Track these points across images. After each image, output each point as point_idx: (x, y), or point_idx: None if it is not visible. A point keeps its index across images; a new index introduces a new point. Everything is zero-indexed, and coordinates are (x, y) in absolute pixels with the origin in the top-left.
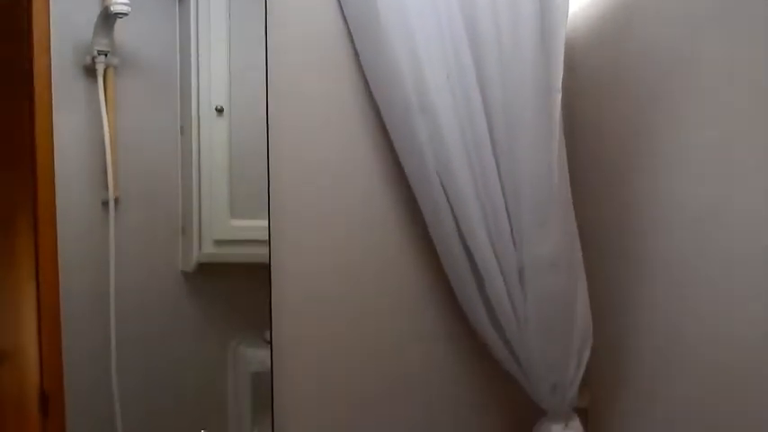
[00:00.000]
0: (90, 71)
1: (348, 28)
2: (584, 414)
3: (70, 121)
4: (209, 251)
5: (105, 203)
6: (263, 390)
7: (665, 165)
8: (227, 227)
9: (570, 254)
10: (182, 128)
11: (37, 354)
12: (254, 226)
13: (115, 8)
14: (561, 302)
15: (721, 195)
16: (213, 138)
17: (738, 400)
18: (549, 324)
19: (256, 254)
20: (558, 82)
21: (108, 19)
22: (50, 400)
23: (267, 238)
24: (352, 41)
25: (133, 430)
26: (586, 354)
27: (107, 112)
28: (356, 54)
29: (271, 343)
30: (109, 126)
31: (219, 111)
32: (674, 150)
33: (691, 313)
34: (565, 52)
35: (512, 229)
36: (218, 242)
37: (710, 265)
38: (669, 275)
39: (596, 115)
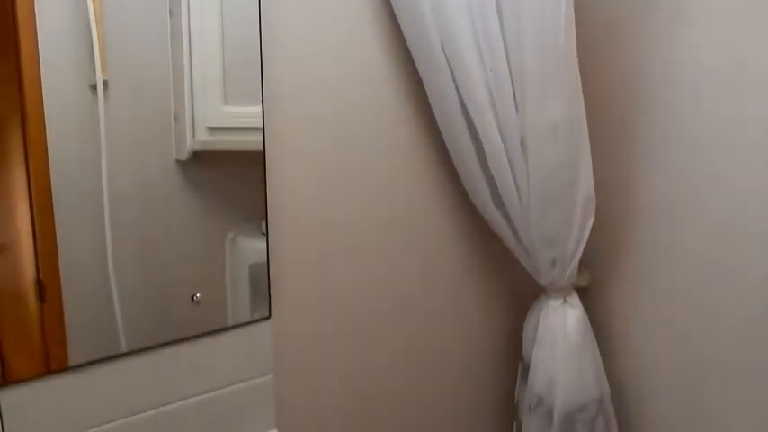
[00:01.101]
0: None
1: None
2: (583, 293)
3: (54, 6)
4: (203, 138)
5: (93, 88)
6: (262, 281)
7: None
8: (220, 113)
9: (575, 122)
10: (170, 10)
11: (31, 245)
12: (248, 112)
13: None
14: (564, 173)
15: (732, 63)
16: (204, 21)
17: (737, 289)
18: (551, 195)
19: (251, 141)
20: None
21: None
22: (47, 288)
23: (261, 124)
24: None
25: (131, 316)
26: (588, 228)
27: None
28: None
29: (267, 232)
30: (95, 9)
31: None
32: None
33: (692, 199)
34: None
35: (514, 94)
36: (212, 129)
37: (713, 147)
38: (672, 156)
39: None
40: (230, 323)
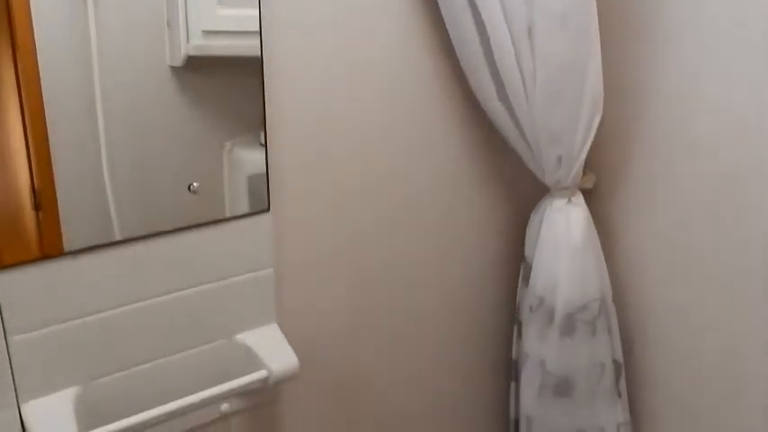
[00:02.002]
0: None
1: None
2: (587, 196)
3: None
4: (198, 42)
5: None
6: (261, 192)
7: None
8: (215, 16)
9: (585, 14)
10: None
11: (25, 155)
12: (245, 15)
13: None
14: (572, 66)
15: None
16: None
17: (744, 190)
18: (558, 89)
19: (248, 46)
20: None
21: None
22: (42, 196)
23: (258, 28)
24: None
25: (127, 225)
26: (595, 125)
27: None
28: None
29: (266, 143)
30: None
31: None
32: None
33: (702, 101)
34: None
35: None
36: (207, 33)
37: (727, 45)
38: (685, 54)
39: None
40: (228, 215)
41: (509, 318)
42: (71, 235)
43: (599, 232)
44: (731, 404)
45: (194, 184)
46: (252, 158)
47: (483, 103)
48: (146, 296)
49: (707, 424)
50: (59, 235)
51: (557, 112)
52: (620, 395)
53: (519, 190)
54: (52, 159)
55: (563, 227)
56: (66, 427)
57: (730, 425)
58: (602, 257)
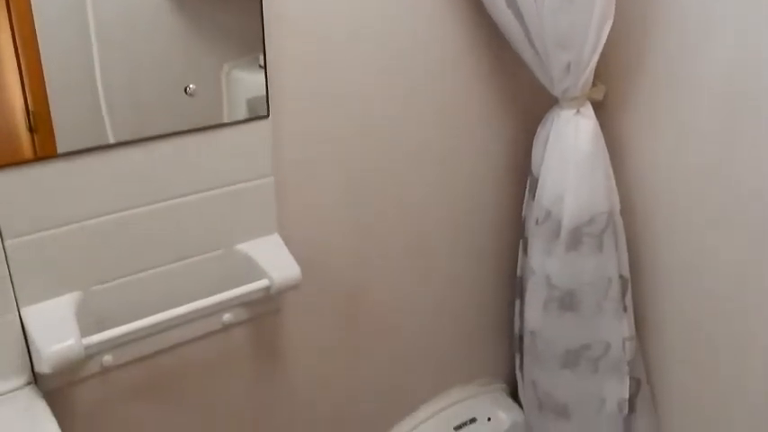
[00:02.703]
0: None
1: None
2: (597, 108)
3: None
4: None
5: None
6: (260, 114)
7: None
8: None
9: None
10: None
11: (19, 81)
12: None
13: None
14: None
15: None
16: None
17: (758, 104)
18: None
19: None
20: None
21: None
22: (38, 119)
23: None
24: None
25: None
26: (605, 31)
27: None
28: None
29: (265, 65)
30: None
31: None
32: None
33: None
34: None
35: None
36: None
37: None
38: None
39: None
40: (226, 120)
41: (514, 233)
42: (64, 137)
43: (607, 146)
44: (740, 318)
45: (191, 86)
46: (251, 81)
47: (490, 10)
48: (144, 202)
49: (714, 338)
50: (52, 137)
51: (566, 15)
52: (625, 310)
53: (526, 102)
54: (42, 62)
55: (571, 138)
56: (67, 331)
57: (739, 338)
58: (611, 170)
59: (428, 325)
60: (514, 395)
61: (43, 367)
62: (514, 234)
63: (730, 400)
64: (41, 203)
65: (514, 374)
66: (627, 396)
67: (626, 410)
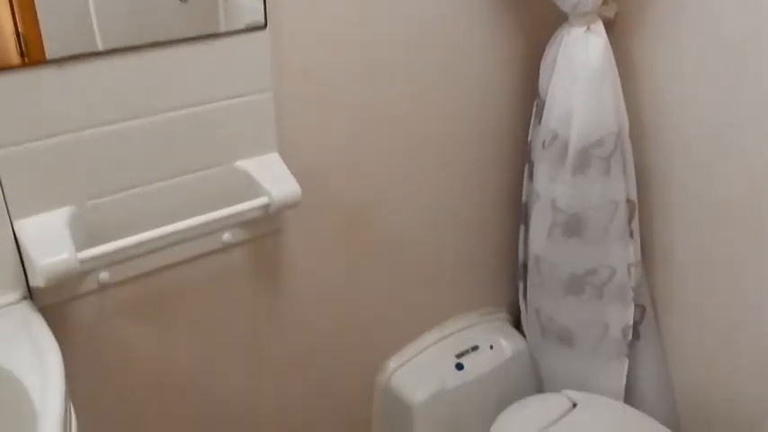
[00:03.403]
0: None
1: None
2: (608, 27)
3: None
4: None
5: None
6: (257, 24)
7: None
8: None
9: None
10: None
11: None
12: None
13: None
14: None
15: None
16: None
17: None
18: None
19: None
20: None
21: None
22: (28, 43)
23: None
24: None
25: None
26: None
27: None
28: None
29: None
30: None
31: None
32: None
33: None
34: None
35: None
36: None
37: None
38: None
39: None
40: (222, 29)
41: (519, 160)
42: (53, 44)
43: (619, 65)
44: (750, 245)
45: None
46: (250, 7)
47: None
48: (138, 114)
49: (722, 266)
50: (41, 43)
51: None
52: (632, 235)
53: (535, 19)
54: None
55: (581, 55)
56: (61, 244)
57: (748, 266)
58: (620, 90)
59: (431, 252)
60: (517, 325)
61: (38, 280)
62: (519, 161)
63: (737, 327)
64: (31, 112)
65: (517, 305)
66: (631, 322)
67: (630, 337)
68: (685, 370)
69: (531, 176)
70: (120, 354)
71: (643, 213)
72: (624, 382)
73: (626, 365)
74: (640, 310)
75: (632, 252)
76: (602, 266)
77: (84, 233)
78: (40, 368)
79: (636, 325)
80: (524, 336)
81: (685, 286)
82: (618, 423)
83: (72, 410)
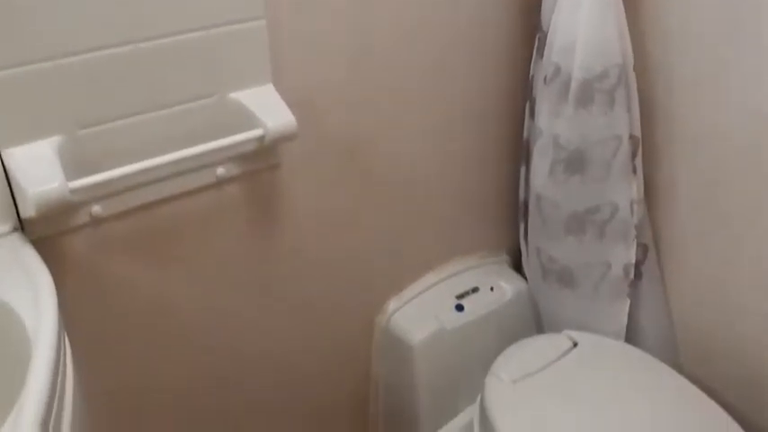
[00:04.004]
0: None
1: None
2: None
3: None
4: None
5: None
6: None
7: None
8: None
9: None
10: None
11: None
12: None
13: None
14: None
15: None
16: None
17: None
18: None
19: None
20: None
21: None
22: None
23: None
24: None
25: None
26: None
27: None
28: None
29: None
30: None
31: None
32: None
33: None
34: None
35: None
36: None
37: None
38: None
39: None
40: None
41: (519, 99)
42: None
43: None
44: (754, 184)
45: None
46: None
47: None
48: (125, 40)
49: (726, 205)
50: None
51: None
52: (635, 172)
53: None
54: None
55: None
56: (51, 173)
57: (752, 206)
58: (624, 20)
59: (431, 192)
60: (518, 268)
61: (28, 210)
62: (520, 99)
63: (739, 268)
64: (14, 36)
65: (518, 248)
66: (633, 261)
67: (632, 275)
68: (687, 309)
69: (532, 114)
70: (115, 289)
71: (647, 150)
72: (625, 322)
73: (627, 305)
74: (642, 249)
75: (635, 189)
76: (604, 204)
77: (75, 164)
78: (33, 297)
79: (638, 264)
80: (525, 278)
81: (689, 224)
82: (619, 361)
83: (67, 341)
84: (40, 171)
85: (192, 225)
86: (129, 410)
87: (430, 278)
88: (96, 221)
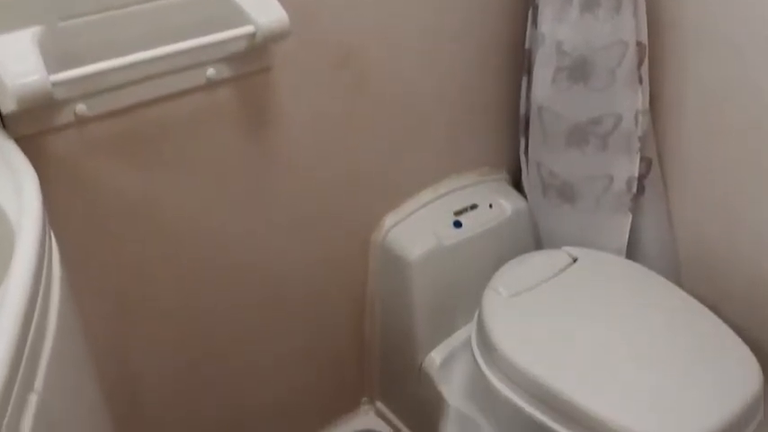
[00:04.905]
0: None
1: None
2: None
3: None
4: None
5: None
6: None
7: None
8: None
9: None
10: None
11: None
12: None
13: None
14: None
15: None
16: None
17: None
18: None
19: None
20: None
21: None
22: None
23: None
24: None
25: None
26: None
27: None
28: None
29: None
30: None
31: None
32: None
33: None
34: None
35: None
36: None
37: None
38: None
39: None
40: None
41: (522, 4)
42: None
43: None
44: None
45: None
46: None
47: None
48: None
49: (735, 119)
50: None
51: None
52: (641, 81)
53: None
54: None
55: None
56: (32, 65)
57: (762, 113)
58: None
59: (429, 104)
60: (517, 186)
61: (9, 104)
62: (521, 8)
63: (744, 185)
64: None
65: (518, 166)
66: (636, 174)
67: (634, 189)
68: (690, 225)
69: (534, 21)
70: (102, 194)
71: (654, 59)
72: (627, 237)
73: (629, 220)
74: (646, 162)
75: (640, 99)
76: (607, 115)
77: (57, 59)
78: (16, 189)
79: (641, 178)
80: (524, 196)
81: (695, 139)
82: (619, 276)
83: (53, 239)
84: (21, 64)
85: (180, 129)
86: (120, 314)
87: (427, 195)
88: (81, 121)
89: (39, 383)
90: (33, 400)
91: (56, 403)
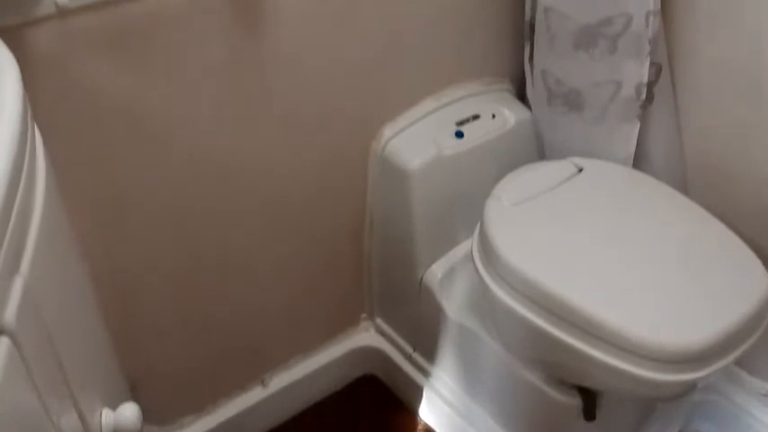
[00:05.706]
0: None
1: None
2: None
3: None
4: None
5: None
6: None
7: None
8: None
9: None
10: None
11: None
12: None
13: None
14: None
15: None
16: None
17: None
18: None
19: None
20: None
21: None
22: None
23: None
24: None
25: None
26: None
27: None
28: None
29: None
30: None
31: None
32: None
33: None
34: None
35: None
36: None
37: None
38: None
39: None
40: None
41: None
42: None
43: None
44: None
45: None
46: None
47: None
48: None
49: (753, 19)
50: None
51: None
52: None
53: None
54: None
55: None
56: None
57: None
58: None
59: (431, 8)
60: (521, 98)
61: None
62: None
63: (757, 95)
64: None
65: (522, 77)
66: (645, 80)
67: (644, 96)
68: (699, 134)
69: None
70: (86, 94)
71: None
72: (634, 146)
73: (637, 129)
74: (656, 69)
75: None
76: (617, 15)
77: None
78: None
79: (650, 85)
80: (529, 107)
81: (708, 44)
82: (625, 184)
83: (37, 132)
84: None
85: (169, 25)
86: (109, 220)
87: (429, 104)
88: (62, 13)
89: (24, 267)
90: (19, 282)
91: (42, 290)
